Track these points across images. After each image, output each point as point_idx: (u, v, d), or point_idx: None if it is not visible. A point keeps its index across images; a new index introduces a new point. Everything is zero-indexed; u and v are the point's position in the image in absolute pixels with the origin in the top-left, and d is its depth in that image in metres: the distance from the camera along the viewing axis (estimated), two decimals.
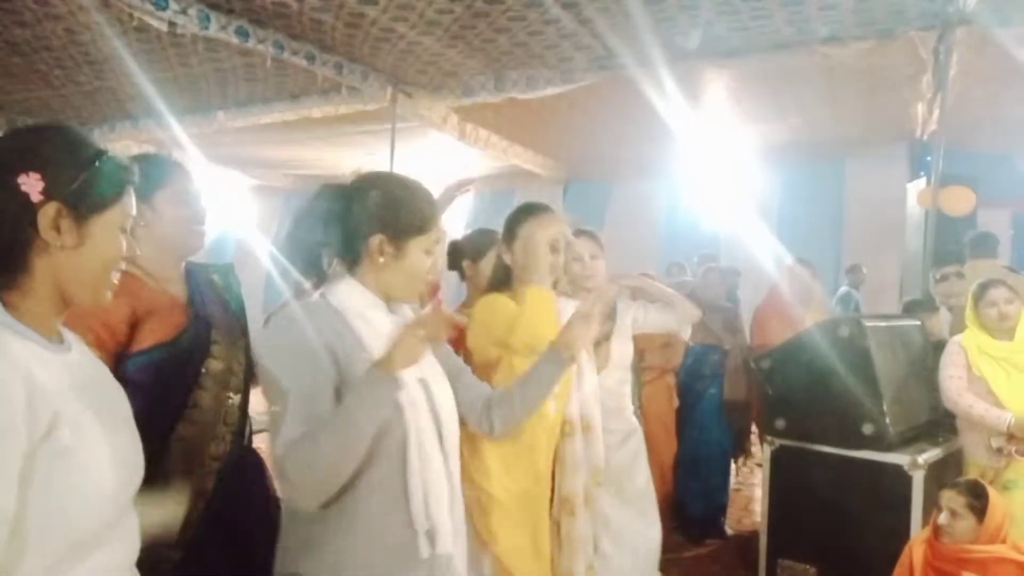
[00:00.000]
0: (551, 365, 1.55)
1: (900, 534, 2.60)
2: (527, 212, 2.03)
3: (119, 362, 1.48)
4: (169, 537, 1.43)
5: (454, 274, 2.72)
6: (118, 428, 1.03)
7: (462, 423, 1.47)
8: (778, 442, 3.04)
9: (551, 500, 2.01)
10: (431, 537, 1.29)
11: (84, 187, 0.96)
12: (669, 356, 3.85)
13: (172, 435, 1.54)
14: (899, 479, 2.72)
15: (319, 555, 1.25)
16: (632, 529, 2.37)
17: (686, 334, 2.67)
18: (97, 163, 0.98)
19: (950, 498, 2.29)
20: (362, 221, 1.33)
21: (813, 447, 2.94)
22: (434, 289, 2.33)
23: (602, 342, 2.38)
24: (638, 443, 2.51)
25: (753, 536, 3.44)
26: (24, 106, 5.83)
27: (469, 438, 1.67)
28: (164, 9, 3.44)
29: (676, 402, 3.94)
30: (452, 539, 1.34)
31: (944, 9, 3.53)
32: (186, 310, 1.62)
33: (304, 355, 1.24)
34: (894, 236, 6.19)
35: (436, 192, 1.51)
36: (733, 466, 4.66)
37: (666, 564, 3.61)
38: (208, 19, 3.64)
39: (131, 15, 3.47)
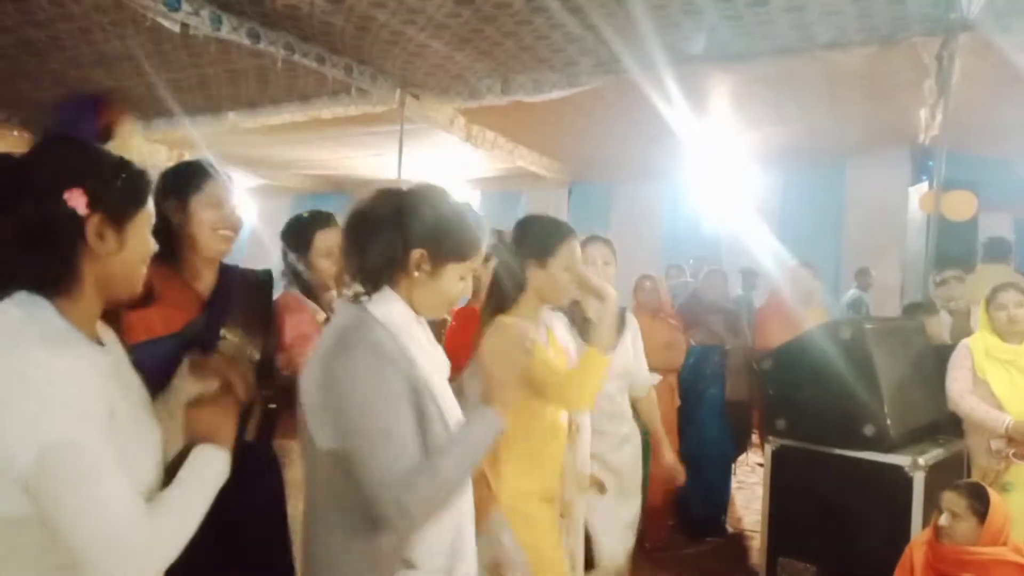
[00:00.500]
0: (479, 423, 1.32)
1: (900, 535, 2.61)
2: (567, 231, 1.94)
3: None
4: None
5: None
6: (151, 423, 1.11)
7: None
8: (779, 442, 3.07)
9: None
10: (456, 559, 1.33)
11: (120, 196, 1.05)
12: (671, 357, 3.89)
13: None
14: (900, 480, 2.73)
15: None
16: (611, 514, 2.44)
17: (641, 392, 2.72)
18: (125, 173, 1.06)
19: (951, 500, 2.29)
20: (409, 233, 1.31)
21: (814, 447, 2.96)
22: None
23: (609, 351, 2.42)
24: (636, 445, 2.57)
25: (753, 535, 3.48)
26: (37, 106, 5.88)
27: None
28: (177, 10, 3.50)
29: (677, 402, 3.98)
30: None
31: (947, 16, 3.56)
32: (202, 305, 1.68)
33: (395, 389, 1.22)
34: (895, 240, 6.22)
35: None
36: (734, 465, 4.70)
37: (667, 561, 3.67)
38: (220, 21, 3.70)
39: (144, 16, 3.52)
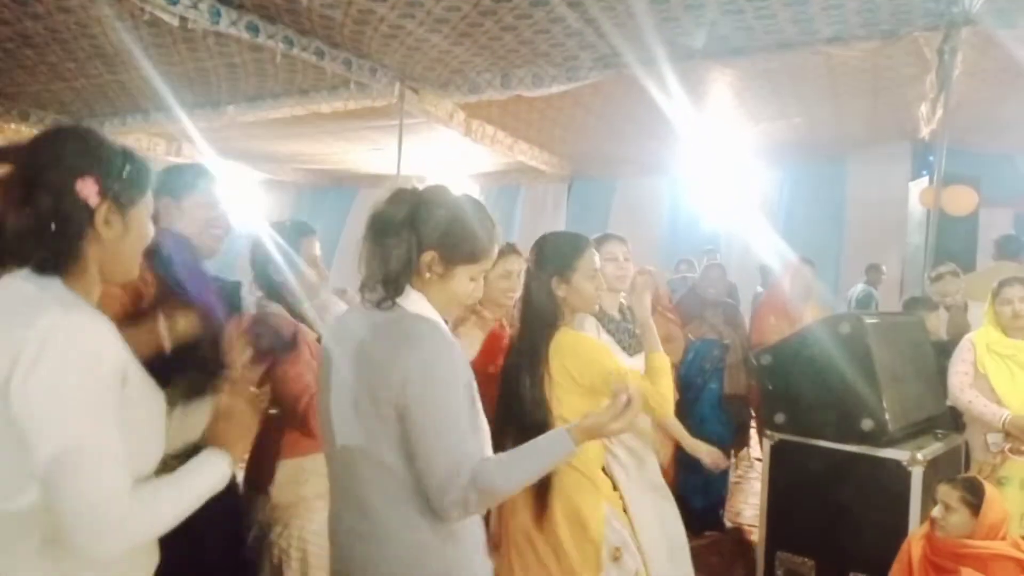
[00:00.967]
0: (558, 446, 1.36)
1: (898, 529, 2.61)
2: (583, 242, 2.12)
3: None
4: None
5: None
6: (156, 389, 1.15)
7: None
8: (777, 436, 3.07)
9: None
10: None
11: (126, 184, 1.09)
12: (669, 351, 3.87)
13: None
14: (898, 474, 2.73)
15: (429, 561, 1.32)
16: (660, 511, 2.46)
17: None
18: (130, 162, 1.11)
19: (944, 492, 2.31)
20: (423, 234, 1.32)
21: (812, 442, 2.95)
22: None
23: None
24: (654, 467, 2.61)
25: (752, 529, 3.48)
26: (36, 99, 5.88)
27: None
28: (175, 4, 3.49)
29: (676, 396, 3.98)
30: None
31: (949, 10, 3.55)
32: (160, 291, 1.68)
33: (460, 378, 1.30)
34: (895, 235, 6.22)
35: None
36: (732, 460, 4.71)
37: None
38: (219, 14, 3.69)
39: (143, 10, 3.52)
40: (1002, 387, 2.91)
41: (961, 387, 2.98)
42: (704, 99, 5.10)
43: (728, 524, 4.16)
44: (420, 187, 1.39)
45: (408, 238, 1.32)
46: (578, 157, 7.93)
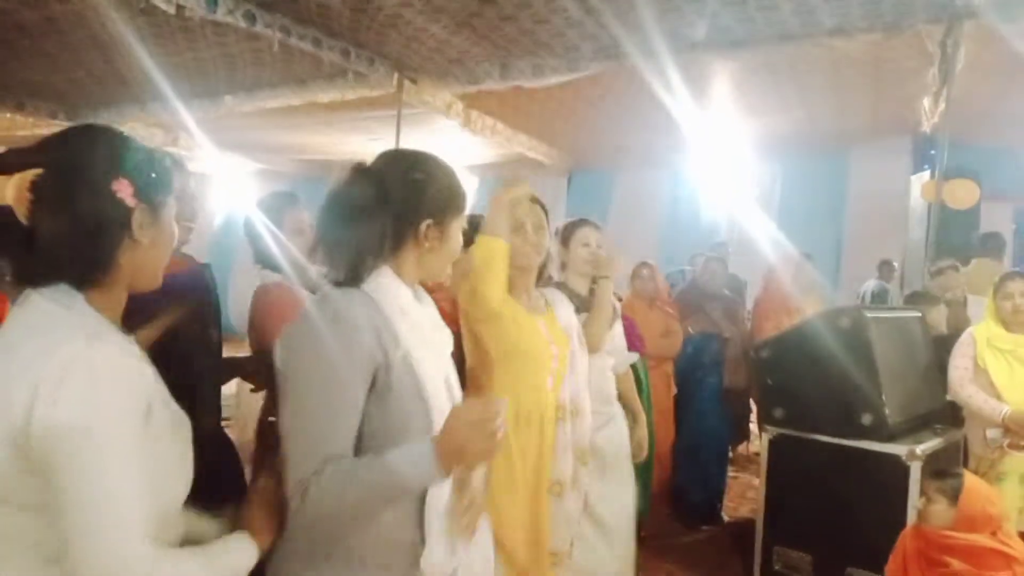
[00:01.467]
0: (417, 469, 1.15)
1: (896, 524, 2.60)
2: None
3: None
4: None
5: None
6: (181, 415, 1.09)
7: None
8: (776, 431, 3.06)
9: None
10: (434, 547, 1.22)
11: (155, 184, 1.03)
12: (668, 345, 3.88)
13: None
14: (897, 469, 2.73)
15: (330, 553, 1.20)
16: (610, 497, 2.44)
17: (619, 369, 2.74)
18: (155, 161, 1.05)
19: (925, 483, 2.33)
20: (410, 207, 1.26)
21: (811, 436, 2.95)
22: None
23: (607, 330, 2.43)
24: (620, 425, 2.58)
25: (750, 523, 3.48)
26: (32, 88, 5.85)
27: None
28: None
29: (674, 390, 3.98)
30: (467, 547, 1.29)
31: (952, 3, 3.53)
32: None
33: (348, 365, 1.16)
34: (896, 228, 6.20)
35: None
36: (731, 454, 4.71)
37: (663, 549, 3.68)
38: (215, 3, 3.66)
39: None
40: (1002, 382, 2.91)
41: (961, 382, 2.98)
42: (705, 91, 5.07)
43: (726, 519, 4.16)
44: (374, 161, 1.31)
45: (381, 216, 1.25)
46: (578, 149, 7.90)
